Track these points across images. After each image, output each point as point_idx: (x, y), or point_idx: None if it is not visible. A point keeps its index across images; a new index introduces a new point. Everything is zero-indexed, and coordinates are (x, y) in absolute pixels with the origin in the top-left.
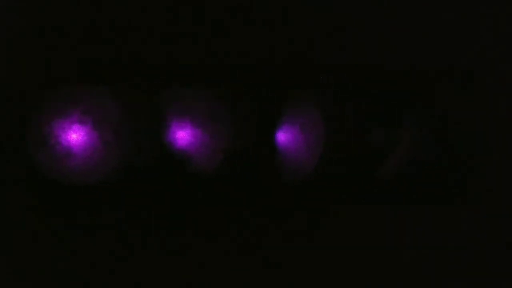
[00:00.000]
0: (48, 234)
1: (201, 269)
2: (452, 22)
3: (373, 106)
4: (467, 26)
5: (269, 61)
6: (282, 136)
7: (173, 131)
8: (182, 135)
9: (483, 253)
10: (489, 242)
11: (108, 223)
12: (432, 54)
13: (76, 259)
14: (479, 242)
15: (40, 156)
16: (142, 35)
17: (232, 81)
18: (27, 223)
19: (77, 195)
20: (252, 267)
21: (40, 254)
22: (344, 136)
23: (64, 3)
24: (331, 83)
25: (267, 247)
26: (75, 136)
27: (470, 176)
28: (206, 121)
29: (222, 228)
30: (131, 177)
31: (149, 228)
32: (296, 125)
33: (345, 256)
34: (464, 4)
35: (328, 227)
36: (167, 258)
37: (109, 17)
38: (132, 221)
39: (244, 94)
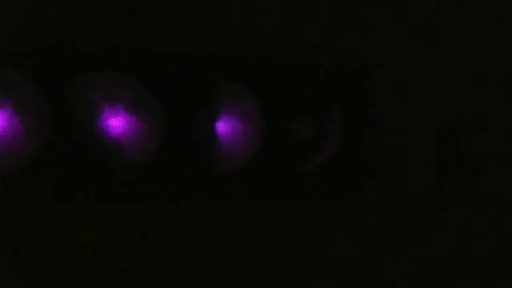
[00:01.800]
0: None
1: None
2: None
3: (304, 100)
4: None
5: (207, 50)
6: (221, 126)
7: (104, 119)
8: (114, 123)
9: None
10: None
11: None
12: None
13: None
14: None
15: None
16: (59, 18)
17: (165, 68)
18: None
19: None
20: (180, 260)
21: None
22: (278, 129)
23: None
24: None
25: (200, 240)
26: None
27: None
28: (139, 108)
29: (154, 222)
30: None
31: (65, 224)
32: (235, 115)
33: (268, 250)
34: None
35: (258, 219)
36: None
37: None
38: (49, 218)
39: (179, 82)
